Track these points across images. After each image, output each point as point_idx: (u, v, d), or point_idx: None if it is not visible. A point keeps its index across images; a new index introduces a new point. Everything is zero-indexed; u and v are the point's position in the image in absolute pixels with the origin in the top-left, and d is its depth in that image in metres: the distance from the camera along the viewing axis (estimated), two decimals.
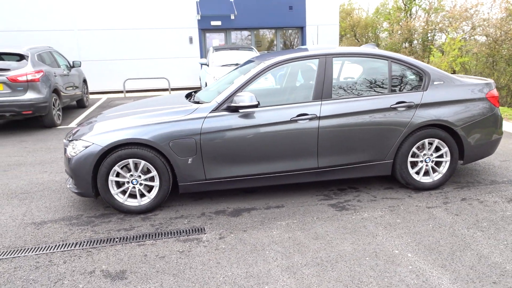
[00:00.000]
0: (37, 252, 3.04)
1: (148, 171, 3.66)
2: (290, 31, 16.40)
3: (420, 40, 21.16)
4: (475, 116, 3.96)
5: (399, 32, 21.04)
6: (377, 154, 3.87)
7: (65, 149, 3.77)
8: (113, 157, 3.53)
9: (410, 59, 4.01)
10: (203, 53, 15.18)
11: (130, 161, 3.57)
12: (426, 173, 4.02)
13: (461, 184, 4.18)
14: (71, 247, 3.12)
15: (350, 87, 3.95)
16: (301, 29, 16.10)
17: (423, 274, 2.62)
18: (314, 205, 3.77)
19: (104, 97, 13.15)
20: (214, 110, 3.66)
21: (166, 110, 3.74)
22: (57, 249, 3.09)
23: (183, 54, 14.99)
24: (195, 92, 4.67)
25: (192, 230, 3.35)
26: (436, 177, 4.02)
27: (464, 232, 3.16)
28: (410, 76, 4.00)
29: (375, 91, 3.91)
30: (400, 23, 21.71)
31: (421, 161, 3.97)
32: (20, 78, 7.47)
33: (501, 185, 4.11)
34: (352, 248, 2.97)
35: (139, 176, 3.64)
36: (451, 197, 3.84)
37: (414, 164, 3.99)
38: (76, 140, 3.66)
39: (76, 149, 3.59)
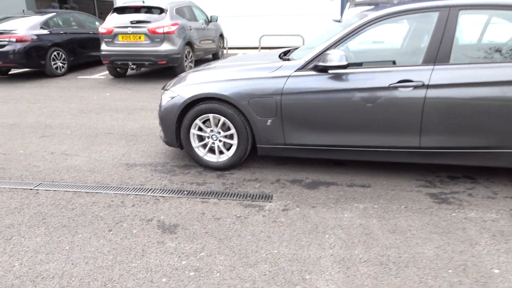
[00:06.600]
0: (116, 192, 3.27)
1: (228, 129, 3.53)
2: None
3: None
4: None
5: None
6: (506, 139, 2.95)
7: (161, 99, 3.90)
8: (195, 110, 3.49)
9: None
10: (344, 10, 14.20)
11: (210, 116, 3.49)
12: None
13: None
14: (144, 192, 3.26)
15: (479, 50, 3.03)
16: None
17: None
18: (408, 191, 3.14)
19: (240, 52, 13.59)
20: (300, 69, 3.25)
21: (252, 66, 3.49)
22: (132, 191, 3.27)
23: (321, 11, 14.28)
24: (296, 49, 4.28)
25: (259, 196, 3.14)
26: None
27: None
28: None
29: None
30: None
31: None
32: (158, 30, 8.12)
33: None
34: (434, 253, 2.35)
35: (219, 133, 3.55)
36: None
37: None
38: (167, 90, 3.73)
39: (165, 99, 3.67)
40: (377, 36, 3.77)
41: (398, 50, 3.38)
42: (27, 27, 8.81)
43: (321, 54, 3.19)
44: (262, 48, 13.57)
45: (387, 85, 3.04)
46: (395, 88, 3.03)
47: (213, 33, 10.71)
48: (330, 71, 3.16)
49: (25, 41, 8.57)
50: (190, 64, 8.93)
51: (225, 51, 13.43)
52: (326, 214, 2.84)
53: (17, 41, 8.50)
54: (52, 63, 9.14)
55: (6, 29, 8.71)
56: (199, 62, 10.66)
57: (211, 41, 10.51)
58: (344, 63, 3.00)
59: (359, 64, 3.25)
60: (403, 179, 3.37)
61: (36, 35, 8.84)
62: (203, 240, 2.56)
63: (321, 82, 3.17)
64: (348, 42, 3.23)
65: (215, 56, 11.43)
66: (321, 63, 3.12)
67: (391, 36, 3.54)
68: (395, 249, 2.40)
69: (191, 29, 9.01)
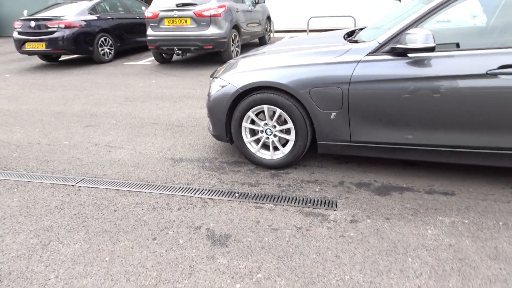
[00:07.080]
0: (160, 192, 2.96)
1: (285, 122, 3.11)
2: None
3: None
4: None
5: None
6: None
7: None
8: (248, 101, 3.10)
9: None
10: None
11: (265, 107, 3.07)
12: None
13: None
14: (191, 192, 2.93)
15: None
16: None
17: None
18: (504, 203, 2.58)
19: (287, 36, 13.01)
20: (372, 53, 2.74)
21: (313, 50, 3.02)
22: (179, 192, 2.95)
23: None
24: (361, 29, 3.74)
25: (321, 202, 2.71)
26: None
27: None
28: None
29: None
30: None
31: None
32: (204, 13, 7.77)
33: None
34: None
35: (274, 126, 3.14)
36: None
37: None
38: (216, 78, 3.36)
39: (214, 88, 3.30)
40: (460, 12, 3.13)
41: (489, 28, 2.76)
42: (75, 12, 8.78)
43: (399, 34, 2.66)
44: (310, 31, 12.90)
45: (483, 71, 2.47)
46: (495, 75, 2.45)
47: (260, 15, 10.22)
48: (410, 55, 2.63)
49: (73, 27, 8.55)
50: (236, 49, 8.53)
51: (271, 35, 12.91)
52: (405, 229, 2.36)
53: (66, 27, 8.49)
54: (100, 49, 9.09)
55: (56, 15, 8.72)
56: (245, 47, 10.25)
57: (258, 24, 10.04)
58: (432, 44, 2.45)
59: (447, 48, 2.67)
60: (495, 186, 2.80)
61: (84, 20, 8.80)
62: (259, 257, 2.18)
63: (399, 68, 2.65)
64: (431, 20, 2.67)
65: (262, 40, 10.95)
66: (399, 45, 2.60)
67: (493, 12, 2.91)
68: (502, 284, 1.89)
69: (238, 11, 8.58)
